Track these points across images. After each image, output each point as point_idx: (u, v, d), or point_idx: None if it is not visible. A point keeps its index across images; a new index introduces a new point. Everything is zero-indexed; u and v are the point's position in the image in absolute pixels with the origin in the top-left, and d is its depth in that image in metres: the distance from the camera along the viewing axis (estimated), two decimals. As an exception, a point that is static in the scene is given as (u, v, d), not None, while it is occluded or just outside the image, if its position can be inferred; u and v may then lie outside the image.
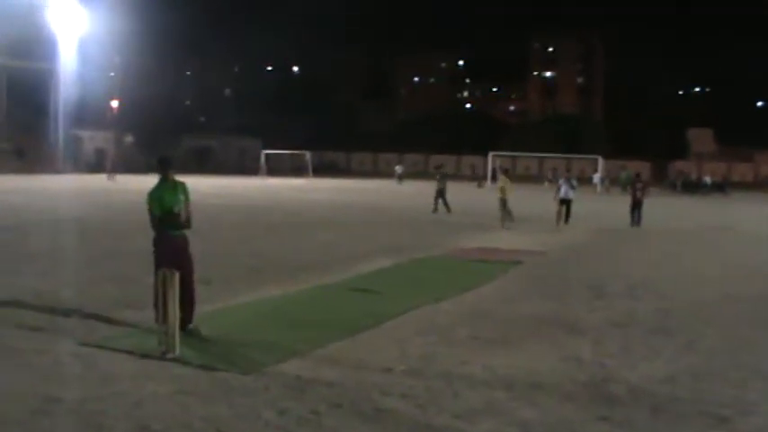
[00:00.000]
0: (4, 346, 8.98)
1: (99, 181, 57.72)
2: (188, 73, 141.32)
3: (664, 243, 24.07)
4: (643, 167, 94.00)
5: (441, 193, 34.43)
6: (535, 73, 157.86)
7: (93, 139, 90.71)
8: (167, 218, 9.59)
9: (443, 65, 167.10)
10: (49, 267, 15.46)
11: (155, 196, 9.64)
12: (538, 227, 27.64)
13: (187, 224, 9.78)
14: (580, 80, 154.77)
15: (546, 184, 67.13)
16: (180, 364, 8.39)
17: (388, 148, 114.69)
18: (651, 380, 8.37)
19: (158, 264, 9.32)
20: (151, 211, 9.63)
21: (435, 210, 33.85)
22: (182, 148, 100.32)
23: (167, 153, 10.31)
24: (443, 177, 35.32)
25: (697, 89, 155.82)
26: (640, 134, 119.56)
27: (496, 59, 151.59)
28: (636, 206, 30.19)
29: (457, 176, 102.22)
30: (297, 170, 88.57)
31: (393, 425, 6.73)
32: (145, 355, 8.67)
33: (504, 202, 27.57)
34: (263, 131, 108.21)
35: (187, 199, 9.77)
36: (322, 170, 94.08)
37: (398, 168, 76.38)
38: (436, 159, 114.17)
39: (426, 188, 37.56)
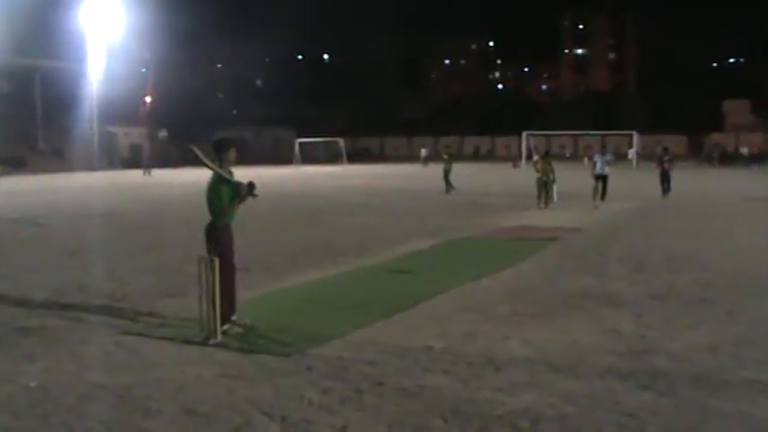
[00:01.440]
0: (51, 337, 9.12)
1: (135, 176, 58.18)
2: (219, 66, 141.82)
3: (701, 215, 23.92)
4: (679, 141, 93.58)
5: (446, 173, 36.10)
6: (567, 51, 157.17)
7: (128, 136, 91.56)
8: (231, 207, 9.23)
9: (474, 47, 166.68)
10: (91, 261, 15.73)
11: (224, 184, 9.11)
12: (574, 204, 27.51)
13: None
14: (612, 56, 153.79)
15: (585, 161, 66.93)
16: (222, 349, 8.46)
17: (421, 133, 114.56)
18: (693, 350, 8.34)
19: (223, 253, 9.04)
20: (221, 199, 9.10)
21: (448, 190, 35.01)
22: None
23: (224, 135, 9.75)
24: (450, 159, 37.31)
25: (732, 60, 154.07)
26: (676, 108, 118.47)
27: (527, 39, 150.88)
28: (664, 177, 31.65)
29: (492, 157, 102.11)
30: (331, 157, 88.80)
31: (436, 400, 6.77)
32: (187, 342, 8.77)
33: (543, 183, 27.21)
34: (296, 121, 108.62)
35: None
36: (356, 157, 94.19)
37: (424, 151, 76.49)
38: (470, 141, 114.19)
39: (457, 170, 37.65)
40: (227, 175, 9.17)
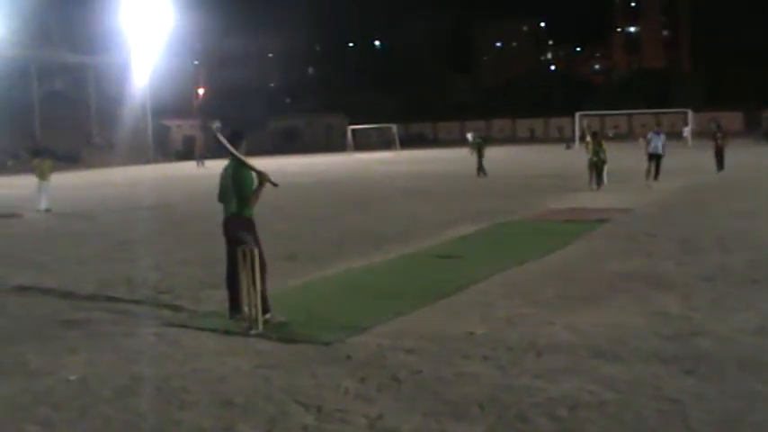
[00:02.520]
0: (94, 331, 9.17)
1: (188, 168, 58.64)
2: (270, 55, 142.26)
3: (756, 193, 23.44)
4: (734, 117, 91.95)
5: (479, 158, 35.79)
6: (618, 29, 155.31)
7: (181, 128, 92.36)
8: (255, 196, 9.16)
9: (525, 28, 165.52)
10: (138, 253, 15.83)
11: (247, 170, 9.11)
12: (627, 185, 27.17)
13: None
14: (665, 33, 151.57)
15: (640, 140, 66.12)
16: (263, 340, 8.43)
17: (474, 116, 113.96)
18: (741, 332, 8.13)
19: (257, 244, 9.04)
20: (248, 184, 9.06)
21: (482, 173, 34.92)
22: (269, 131, 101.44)
23: (237, 128, 9.76)
24: (483, 142, 37.50)
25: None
26: (731, 84, 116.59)
27: (578, 19, 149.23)
28: (719, 153, 32.71)
29: (545, 139, 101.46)
30: (384, 144, 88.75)
31: (474, 387, 6.67)
32: (228, 333, 8.76)
33: (594, 164, 26.84)
34: (348, 108, 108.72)
35: None
36: (409, 142, 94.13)
37: (470, 136, 76.02)
38: (522, 124, 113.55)
39: (507, 153, 37.54)
40: (250, 163, 9.15)
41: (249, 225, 9.13)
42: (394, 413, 6.18)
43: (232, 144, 9.28)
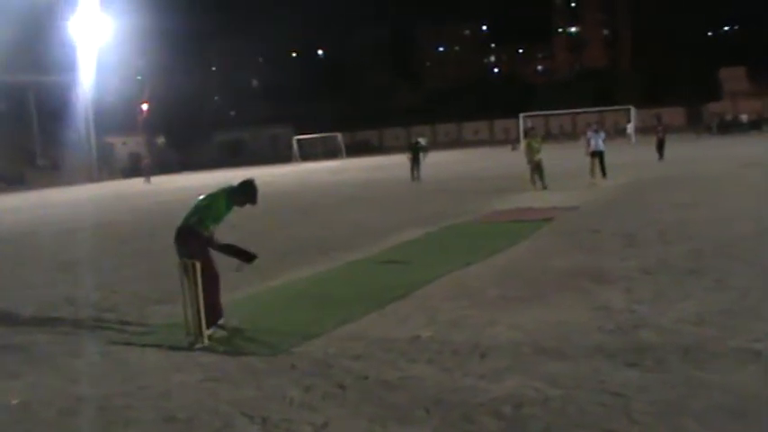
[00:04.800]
0: (36, 354, 9.03)
1: (134, 185, 58.15)
2: (213, 68, 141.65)
3: (697, 186, 23.80)
4: (677, 112, 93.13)
5: (415, 162, 36.99)
6: (560, 30, 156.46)
7: (126, 145, 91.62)
8: (216, 226, 9.35)
9: (467, 32, 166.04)
10: (80, 273, 15.65)
11: (229, 210, 9.42)
12: (573, 183, 27.39)
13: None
14: (606, 32, 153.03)
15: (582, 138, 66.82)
16: (208, 353, 8.40)
17: (419, 122, 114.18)
18: (682, 322, 8.24)
19: (207, 257, 9.11)
20: (221, 213, 9.33)
21: (416, 177, 36.17)
22: (214, 144, 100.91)
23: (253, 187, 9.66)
24: (421, 149, 38.98)
25: (726, 28, 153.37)
26: (672, 80, 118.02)
27: (520, 20, 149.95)
28: (660, 144, 36.81)
29: (491, 141, 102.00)
30: (330, 153, 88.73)
31: (419, 390, 6.68)
32: (173, 348, 8.69)
33: (533, 163, 27.08)
34: (294, 118, 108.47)
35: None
36: (355, 150, 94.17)
37: (422, 140, 76.03)
38: (468, 127, 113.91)
39: (453, 157, 37.78)
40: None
41: (202, 240, 9.08)
42: (339, 420, 6.17)
43: (241, 191, 9.44)
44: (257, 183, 9.49)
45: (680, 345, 7.43)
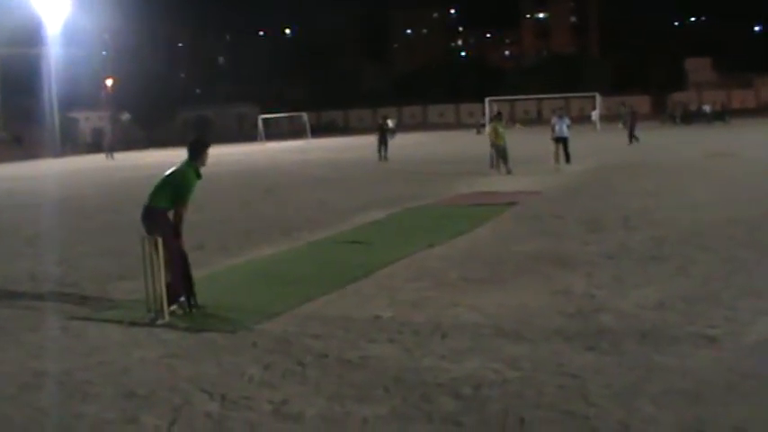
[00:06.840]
0: (-5, 328, 8.98)
1: (97, 161, 57.65)
2: (180, 45, 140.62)
3: (662, 173, 23.99)
4: (642, 101, 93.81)
5: (383, 142, 38.19)
6: (528, 16, 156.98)
7: (90, 120, 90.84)
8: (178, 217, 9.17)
9: (435, 15, 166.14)
10: (44, 248, 15.52)
11: (196, 180, 9.22)
12: (537, 168, 27.48)
13: None
14: (574, 19, 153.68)
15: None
16: (169, 329, 8.38)
17: (386, 104, 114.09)
18: (641, 307, 8.33)
19: (172, 235, 8.97)
20: (189, 190, 9.13)
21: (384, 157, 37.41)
22: (178, 121, 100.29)
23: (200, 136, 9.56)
24: (388, 130, 40.42)
25: (693, 18, 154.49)
26: (638, 68, 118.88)
27: (488, 5, 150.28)
28: (630, 131, 40.11)
29: (457, 125, 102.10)
30: (295, 132, 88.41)
31: (379, 370, 6.71)
32: (134, 324, 8.66)
33: (497, 148, 27.18)
34: (260, 97, 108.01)
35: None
36: (321, 130, 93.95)
37: (390, 122, 75.93)
38: (434, 110, 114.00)
39: (418, 139, 37.89)
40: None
41: (164, 218, 9.03)
42: (299, 398, 6.18)
43: (194, 153, 9.29)
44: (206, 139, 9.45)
45: (638, 329, 7.52)
